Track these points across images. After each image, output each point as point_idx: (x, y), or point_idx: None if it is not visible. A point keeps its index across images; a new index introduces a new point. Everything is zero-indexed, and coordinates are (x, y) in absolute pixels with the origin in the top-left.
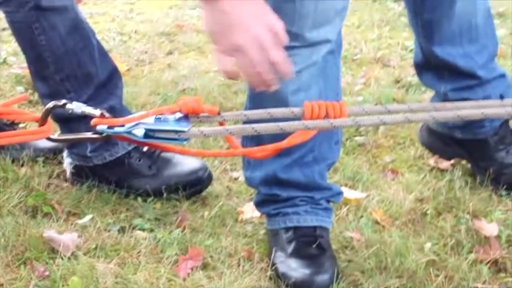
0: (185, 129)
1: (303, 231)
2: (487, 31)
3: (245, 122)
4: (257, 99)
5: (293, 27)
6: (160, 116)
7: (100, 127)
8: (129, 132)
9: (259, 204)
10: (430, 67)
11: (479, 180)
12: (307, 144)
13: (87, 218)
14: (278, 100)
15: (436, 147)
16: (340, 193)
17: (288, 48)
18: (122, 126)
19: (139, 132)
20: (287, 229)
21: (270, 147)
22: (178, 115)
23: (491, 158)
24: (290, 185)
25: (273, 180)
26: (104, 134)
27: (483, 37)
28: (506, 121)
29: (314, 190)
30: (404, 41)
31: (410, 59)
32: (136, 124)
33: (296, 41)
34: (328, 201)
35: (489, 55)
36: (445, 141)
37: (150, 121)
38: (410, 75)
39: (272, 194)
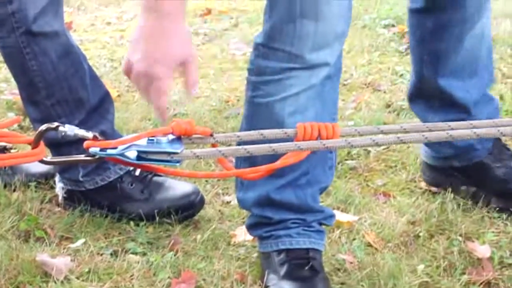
0: (178, 151)
1: (296, 253)
2: (487, 64)
3: (239, 143)
4: (253, 120)
5: (293, 48)
6: (152, 138)
7: (92, 150)
8: (122, 155)
9: (251, 227)
10: (423, 96)
11: (471, 203)
12: (301, 166)
13: (80, 242)
14: (275, 121)
15: (442, 182)
16: (332, 216)
17: (287, 69)
18: (115, 148)
19: (132, 154)
20: (279, 251)
21: (263, 168)
22: (171, 137)
23: (494, 178)
24: (282, 207)
25: (266, 202)
26: (96, 157)
27: (482, 70)
28: (497, 139)
29: (307, 212)
30: (394, 66)
31: (400, 84)
32: (129, 146)
33: (296, 63)
34: (320, 224)
35: (484, 87)
36: (447, 173)
37: (142, 143)
38: (401, 100)
39: (264, 216)
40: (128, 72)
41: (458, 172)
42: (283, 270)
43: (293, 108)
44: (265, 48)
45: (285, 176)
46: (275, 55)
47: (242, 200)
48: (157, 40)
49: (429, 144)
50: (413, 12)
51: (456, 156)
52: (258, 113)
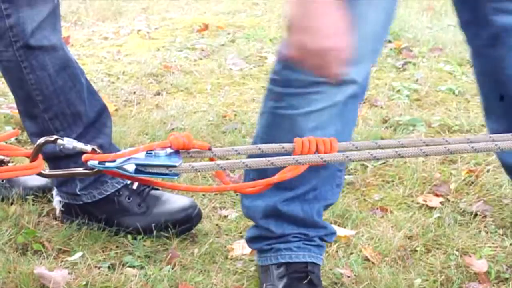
0: (176, 164)
1: (295, 267)
2: None
3: (251, 156)
4: (273, 130)
5: None
6: (151, 151)
7: (91, 163)
8: (120, 168)
9: (251, 240)
10: None
11: (468, 217)
12: (311, 181)
13: (77, 255)
14: (295, 135)
15: None
16: (333, 233)
17: (315, 83)
18: (113, 161)
19: (130, 167)
20: (279, 265)
21: (261, 182)
22: (169, 150)
23: None
24: (287, 219)
25: (272, 212)
26: (95, 170)
27: None
28: None
29: (310, 227)
30: (391, 81)
31: (397, 99)
32: (127, 160)
33: (324, 77)
34: (321, 239)
35: None
36: None
37: (141, 157)
38: (398, 115)
39: (267, 229)
40: (298, 53)
41: None
42: (281, 284)
43: (315, 124)
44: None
45: (295, 190)
46: (296, 67)
47: (248, 207)
48: (323, 18)
49: None
50: (480, 50)
51: None
52: (279, 124)
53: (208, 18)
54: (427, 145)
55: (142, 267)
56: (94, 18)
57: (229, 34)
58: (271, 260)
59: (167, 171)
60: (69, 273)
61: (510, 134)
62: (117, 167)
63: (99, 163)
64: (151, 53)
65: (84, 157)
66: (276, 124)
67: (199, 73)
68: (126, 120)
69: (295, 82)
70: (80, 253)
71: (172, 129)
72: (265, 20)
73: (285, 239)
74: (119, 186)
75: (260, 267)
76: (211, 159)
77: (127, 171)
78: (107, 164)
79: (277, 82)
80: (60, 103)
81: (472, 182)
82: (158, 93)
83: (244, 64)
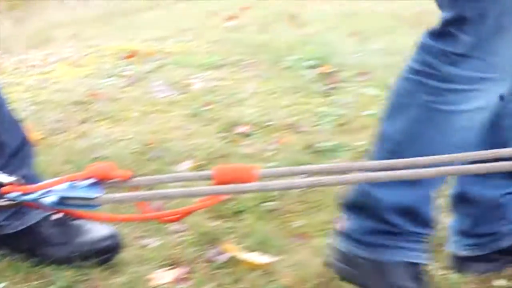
0: (98, 195)
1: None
2: None
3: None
4: (425, 124)
5: (496, 58)
6: (73, 182)
7: (11, 195)
8: (40, 200)
9: (365, 234)
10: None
11: None
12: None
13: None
14: (445, 131)
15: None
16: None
17: (481, 79)
18: (34, 193)
19: (51, 199)
20: (408, 264)
21: (181, 211)
22: (91, 181)
23: None
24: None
25: (405, 209)
26: (15, 202)
27: None
28: None
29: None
30: (316, 107)
31: (322, 125)
32: (48, 191)
33: (494, 73)
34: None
35: None
36: (489, 258)
37: (62, 188)
38: (323, 141)
39: (391, 224)
40: None
41: (506, 253)
42: (415, 285)
43: (465, 124)
44: (460, 56)
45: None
46: (471, 64)
47: (379, 199)
48: None
49: (468, 233)
50: None
51: (503, 236)
52: (431, 119)
53: (137, 44)
54: (344, 172)
55: None
56: (24, 46)
57: (157, 60)
58: (394, 256)
59: (88, 203)
60: None
61: (432, 157)
62: (37, 199)
63: (20, 195)
64: (78, 80)
65: (3, 189)
66: (428, 119)
67: (126, 100)
68: (52, 149)
69: (456, 78)
70: (2, 285)
71: (97, 158)
72: (194, 46)
73: (412, 237)
74: (40, 217)
75: (371, 261)
76: (133, 189)
77: (47, 203)
78: (28, 196)
79: (432, 76)
80: None
81: None
82: (84, 121)
83: (171, 90)
